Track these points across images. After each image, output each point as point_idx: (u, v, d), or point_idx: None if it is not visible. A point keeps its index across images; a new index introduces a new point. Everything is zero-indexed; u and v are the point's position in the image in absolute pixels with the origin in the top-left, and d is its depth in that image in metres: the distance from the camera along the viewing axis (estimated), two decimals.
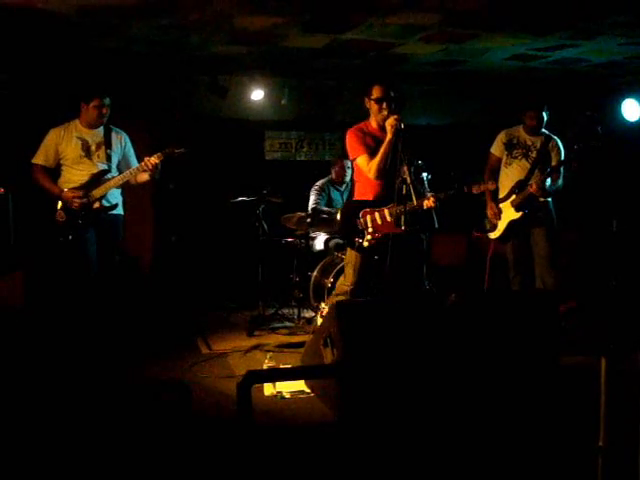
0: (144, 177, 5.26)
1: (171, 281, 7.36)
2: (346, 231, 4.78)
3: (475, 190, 4.70)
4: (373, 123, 4.72)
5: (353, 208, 4.74)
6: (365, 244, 4.61)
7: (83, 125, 5.26)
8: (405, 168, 4.27)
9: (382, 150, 4.52)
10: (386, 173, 4.56)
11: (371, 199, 4.68)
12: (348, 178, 6.89)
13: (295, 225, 6.42)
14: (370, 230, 4.59)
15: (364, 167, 4.62)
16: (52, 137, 5.23)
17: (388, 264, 4.61)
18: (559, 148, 5.75)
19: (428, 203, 4.50)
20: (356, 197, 4.83)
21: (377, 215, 4.62)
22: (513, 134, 5.83)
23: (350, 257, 4.77)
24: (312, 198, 6.85)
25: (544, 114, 5.69)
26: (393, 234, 4.48)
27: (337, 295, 4.87)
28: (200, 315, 6.77)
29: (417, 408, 3.56)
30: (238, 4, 5.03)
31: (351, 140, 4.70)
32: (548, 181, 5.76)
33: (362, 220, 4.63)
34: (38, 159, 5.23)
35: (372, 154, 4.59)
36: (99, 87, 5.34)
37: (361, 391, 3.56)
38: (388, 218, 4.59)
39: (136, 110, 7.07)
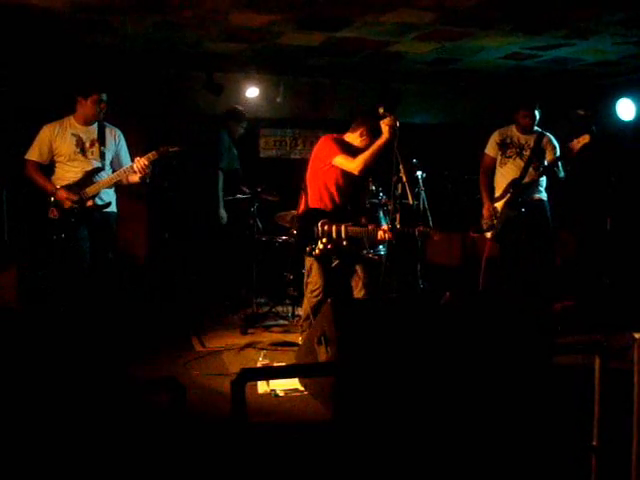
0: (134, 178, 5.22)
1: (165, 279, 7.34)
2: (301, 237, 4.86)
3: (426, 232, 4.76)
4: (349, 139, 4.82)
5: (312, 215, 4.85)
6: (316, 252, 4.75)
7: (78, 121, 5.23)
8: (401, 167, 4.29)
9: (375, 147, 4.55)
10: (345, 185, 4.66)
11: (329, 210, 4.80)
12: None
13: (289, 223, 6.40)
14: (324, 240, 4.71)
15: (347, 164, 4.67)
16: (46, 133, 5.20)
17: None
18: (553, 144, 5.77)
19: (382, 235, 4.62)
20: (312, 204, 4.91)
21: (334, 229, 4.74)
22: (506, 134, 5.84)
23: (310, 263, 4.90)
24: None
25: (536, 112, 5.70)
26: (340, 249, 4.73)
27: (310, 309, 4.91)
28: (194, 313, 6.75)
29: (412, 406, 3.57)
30: (233, 1, 5.03)
31: (328, 143, 4.81)
32: (544, 179, 5.77)
33: (319, 229, 4.74)
34: (32, 155, 5.19)
35: (351, 155, 4.66)
36: (98, 82, 5.32)
37: (355, 389, 3.56)
38: (343, 234, 4.73)
39: (130, 107, 7.05)
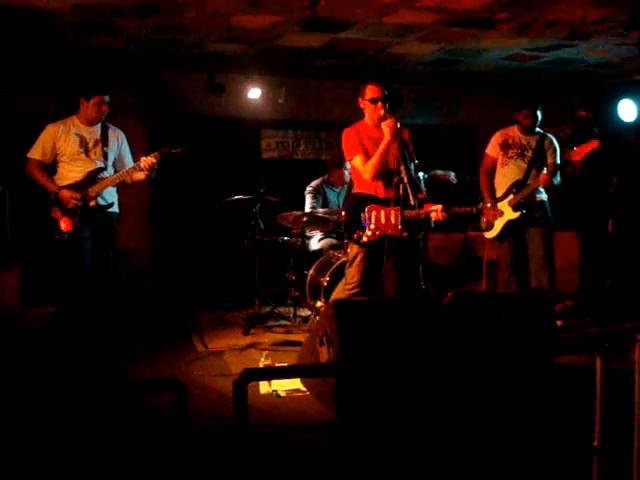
0: (140, 176, 5.24)
1: (167, 279, 7.35)
2: (349, 223, 4.73)
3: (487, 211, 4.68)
4: (368, 122, 4.73)
5: (360, 201, 4.68)
6: (364, 239, 4.54)
7: (81, 121, 5.24)
8: (402, 168, 4.28)
9: (379, 152, 4.52)
10: (388, 174, 4.58)
11: (378, 196, 4.66)
12: (347, 179, 6.82)
13: (291, 224, 6.41)
14: (372, 226, 4.53)
15: (360, 168, 4.62)
16: (50, 133, 5.20)
17: (385, 264, 4.63)
18: (554, 147, 5.76)
19: (437, 217, 4.44)
20: (358, 190, 4.77)
21: (383, 213, 4.55)
22: (508, 134, 5.83)
23: (353, 253, 4.71)
24: (307, 201, 6.80)
25: (538, 113, 5.70)
26: (391, 236, 4.49)
27: None
28: (196, 313, 6.77)
29: (413, 407, 3.57)
30: (236, 3, 5.04)
31: (347, 140, 4.69)
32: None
33: (367, 215, 4.56)
34: (34, 154, 5.19)
35: (368, 154, 4.60)
36: (100, 84, 5.33)
37: (357, 390, 3.57)
38: (392, 219, 4.53)
39: (132, 108, 7.07)
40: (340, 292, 4.84)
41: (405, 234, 4.46)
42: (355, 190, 4.82)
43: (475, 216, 4.62)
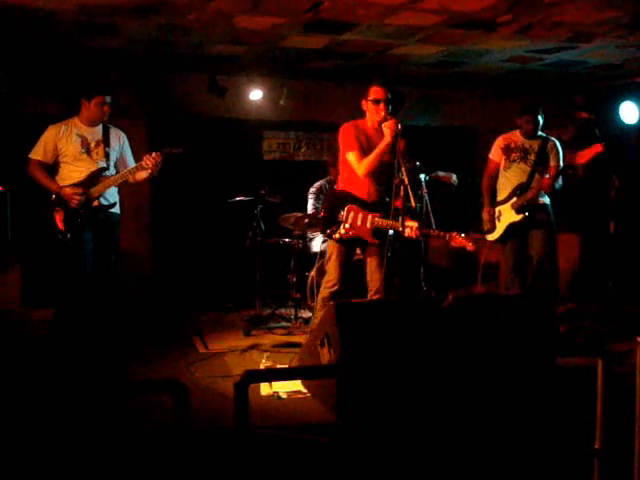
0: (143, 175, 5.23)
1: (168, 280, 7.35)
2: (327, 217, 4.78)
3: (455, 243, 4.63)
4: (368, 123, 4.73)
5: (341, 199, 4.73)
6: (336, 236, 4.64)
7: (83, 122, 5.24)
8: (403, 170, 4.28)
9: (377, 151, 4.53)
10: (379, 176, 4.61)
11: (360, 197, 4.69)
12: None
13: (293, 225, 6.41)
14: (347, 226, 4.61)
15: (354, 164, 4.63)
16: (51, 133, 5.19)
17: (369, 263, 4.66)
18: (557, 150, 5.75)
19: (410, 233, 4.46)
20: (343, 187, 4.80)
21: (360, 216, 4.63)
22: (510, 138, 5.82)
23: (331, 249, 4.76)
24: (310, 203, 6.81)
25: (539, 117, 5.69)
26: (362, 240, 4.61)
27: (322, 299, 4.81)
28: (197, 314, 6.77)
29: (414, 408, 3.57)
30: (238, 4, 5.04)
31: (345, 134, 4.71)
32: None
33: (345, 213, 4.64)
34: (36, 155, 5.18)
35: (363, 152, 4.61)
36: (102, 85, 5.33)
37: (358, 391, 3.57)
38: (368, 225, 4.61)
39: (134, 109, 7.07)
40: (321, 293, 4.85)
41: (375, 241, 4.61)
42: (340, 187, 4.85)
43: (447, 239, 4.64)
